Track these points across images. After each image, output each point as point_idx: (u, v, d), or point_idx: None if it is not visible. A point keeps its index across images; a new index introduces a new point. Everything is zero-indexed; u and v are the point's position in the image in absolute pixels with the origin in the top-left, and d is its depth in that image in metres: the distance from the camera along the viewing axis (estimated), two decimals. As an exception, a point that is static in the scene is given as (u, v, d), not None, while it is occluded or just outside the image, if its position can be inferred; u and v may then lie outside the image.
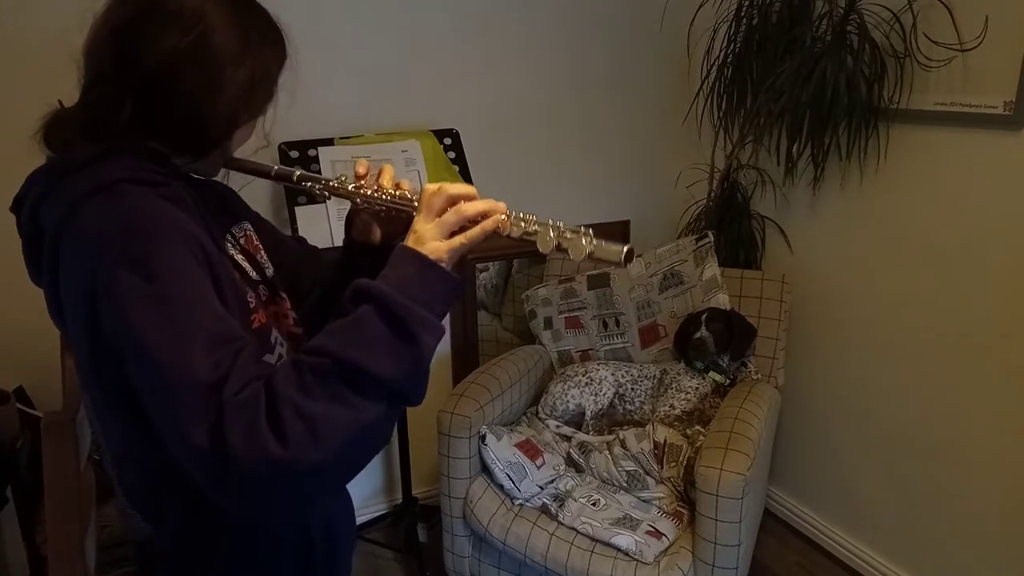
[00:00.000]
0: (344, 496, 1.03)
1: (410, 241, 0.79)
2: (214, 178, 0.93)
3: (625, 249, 0.78)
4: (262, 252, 0.95)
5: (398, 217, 0.91)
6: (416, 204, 0.84)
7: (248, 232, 0.94)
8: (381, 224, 0.98)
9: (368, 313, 0.71)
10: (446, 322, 2.38)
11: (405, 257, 0.77)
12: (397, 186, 0.91)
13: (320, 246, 1.77)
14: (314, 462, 0.65)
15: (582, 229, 0.80)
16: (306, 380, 0.67)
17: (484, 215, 0.81)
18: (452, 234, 0.80)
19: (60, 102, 0.82)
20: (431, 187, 0.82)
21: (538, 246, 0.81)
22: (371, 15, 2.03)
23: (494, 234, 0.82)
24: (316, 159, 1.89)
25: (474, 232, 0.80)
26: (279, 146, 1.89)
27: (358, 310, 0.71)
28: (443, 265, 0.78)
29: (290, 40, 0.86)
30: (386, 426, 0.72)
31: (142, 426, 0.73)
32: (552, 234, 0.80)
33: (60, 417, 1.16)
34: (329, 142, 1.93)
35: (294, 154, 1.88)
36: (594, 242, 0.79)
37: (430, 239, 0.78)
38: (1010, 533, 1.77)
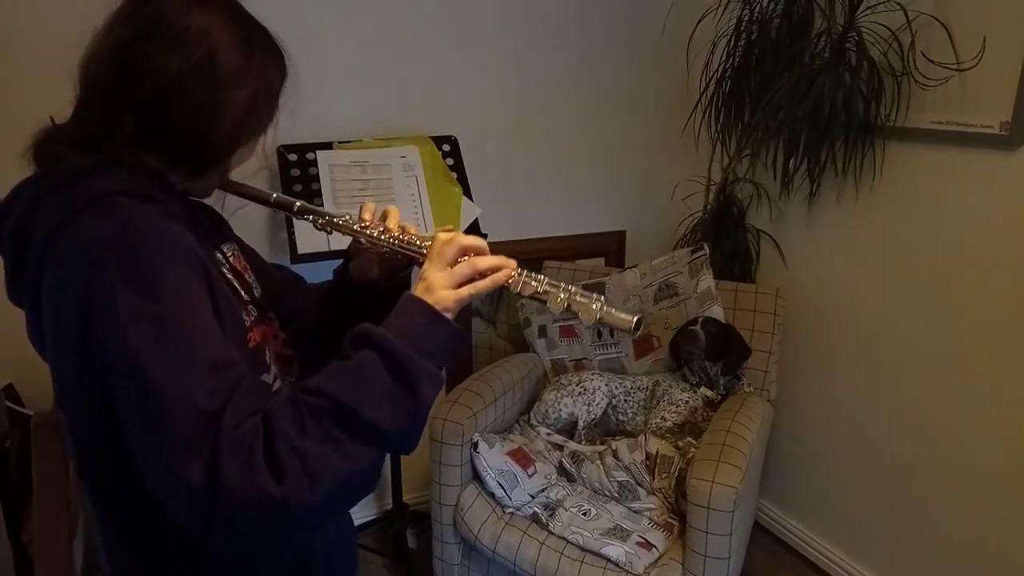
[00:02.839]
0: (348, 531, 1.02)
1: (419, 289, 0.79)
2: (205, 201, 0.92)
3: (635, 319, 0.80)
4: (250, 272, 0.94)
5: (400, 257, 0.92)
6: (424, 251, 0.84)
7: (236, 252, 0.94)
8: (381, 263, 0.99)
9: (372, 360, 0.71)
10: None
11: (413, 307, 0.77)
12: (403, 229, 0.91)
13: (317, 251, 1.77)
14: (307, 503, 0.65)
15: (593, 295, 0.82)
16: (304, 420, 0.67)
17: (495, 270, 0.82)
18: (460, 285, 0.80)
19: (52, 119, 0.80)
20: (444, 236, 0.82)
21: (549, 306, 0.82)
22: (372, 20, 2.04)
23: (503, 288, 0.83)
24: (315, 163, 1.88)
25: (483, 284, 0.80)
26: (277, 149, 1.88)
27: (360, 355, 0.71)
28: (449, 316, 0.78)
29: (290, 58, 0.85)
30: (375, 473, 0.72)
31: (117, 453, 0.71)
32: (563, 295, 0.82)
33: (51, 417, 1.15)
34: (328, 146, 1.93)
35: (293, 157, 1.88)
36: (604, 308, 0.81)
37: (439, 288, 0.78)
38: (1001, 550, 1.77)
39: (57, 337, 0.71)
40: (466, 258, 0.82)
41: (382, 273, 0.99)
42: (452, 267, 0.80)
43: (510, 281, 0.82)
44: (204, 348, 0.68)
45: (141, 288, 0.66)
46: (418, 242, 0.88)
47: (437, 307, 0.77)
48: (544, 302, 0.83)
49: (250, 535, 0.66)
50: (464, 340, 0.80)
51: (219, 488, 0.62)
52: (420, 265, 0.85)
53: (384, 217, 0.93)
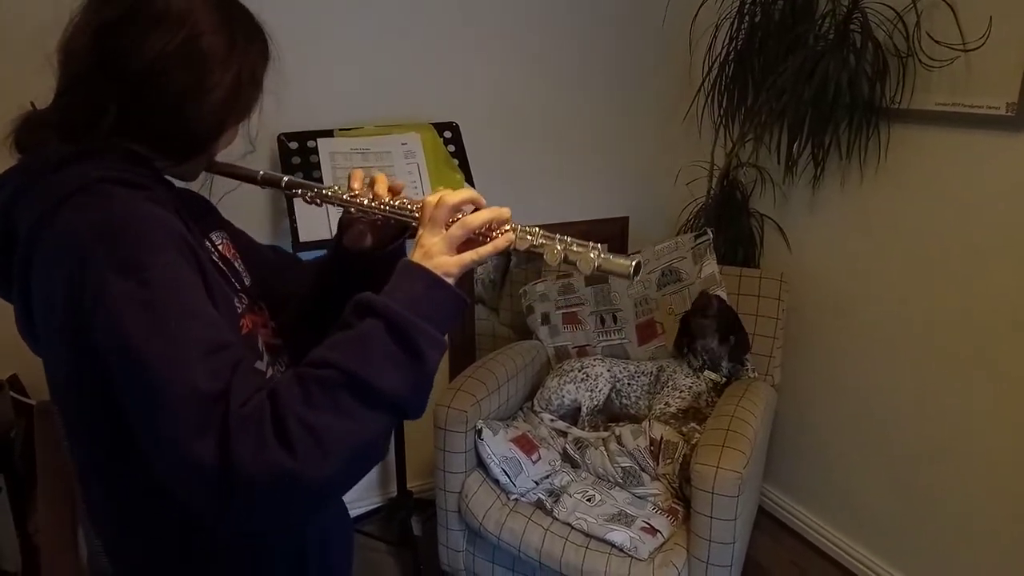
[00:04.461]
0: (339, 503, 1.01)
1: (417, 256, 0.78)
2: (193, 189, 0.91)
3: (633, 263, 0.78)
4: (239, 260, 0.93)
5: (392, 224, 0.91)
6: (417, 215, 0.83)
7: (225, 240, 0.93)
8: (374, 231, 0.97)
9: (375, 328, 0.70)
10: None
11: (412, 273, 0.76)
12: (393, 194, 0.90)
13: (319, 238, 1.77)
14: (320, 475, 0.64)
15: (589, 243, 0.80)
16: (311, 392, 0.66)
17: (490, 225, 0.80)
18: (459, 248, 0.79)
19: (33, 104, 0.79)
20: (431, 199, 0.81)
21: (545, 259, 0.81)
22: (372, 6, 2.02)
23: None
24: (315, 150, 1.88)
25: (485, 250, 0.79)
26: (278, 136, 1.88)
27: (363, 324, 0.70)
28: (450, 280, 0.77)
29: (272, 39, 0.84)
30: (384, 441, 0.72)
31: (117, 443, 0.71)
32: (559, 247, 0.80)
33: (53, 405, 1.15)
34: (329, 133, 1.92)
35: (293, 145, 1.87)
36: (602, 255, 0.79)
37: (438, 254, 0.77)
38: (1005, 535, 1.77)
39: (50, 329, 0.71)
40: (460, 215, 0.80)
41: (376, 242, 0.97)
42: (447, 229, 0.79)
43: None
44: (200, 331, 0.67)
45: (132, 274, 0.65)
46: (409, 206, 0.86)
47: (437, 272, 0.76)
48: (541, 255, 0.81)
49: (263, 513, 0.65)
50: (466, 304, 0.78)
51: (231, 466, 0.61)
52: (414, 228, 0.83)
53: (372, 183, 0.91)
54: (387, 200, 0.88)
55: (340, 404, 0.66)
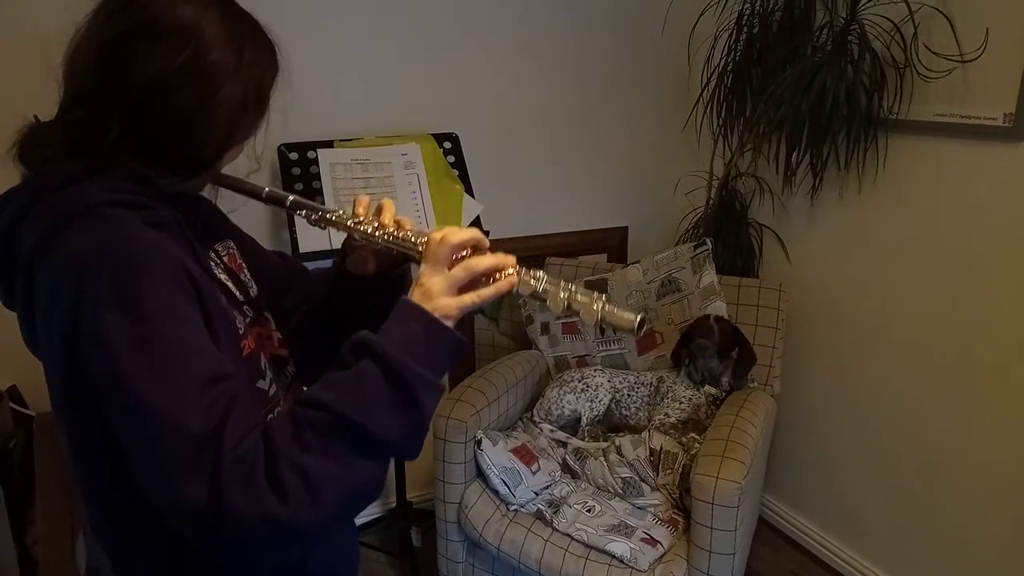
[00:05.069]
0: (350, 531, 1.00)
1: (416, 295, 0.76)
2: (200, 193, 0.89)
3: (638, 318, 0.77)
4: (245, 271, 0.92)
5: (396, 254, 0.89)
6: (420, 250, 0.81)
7: (231, 250, 0.91)
8: (378, 257, 0.96)
9: (371, 370, 0.69)
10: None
11: (411, 314, 0.74)
12: (398, 225, 0.88)
13: (318, 250, 1.77)
14: (311, 520, 0.64)
15: (594, 293, 0.78)
16: (304, 435, 0.66)
17: (494, 270, 0.79)
18: (461, 289, 0.77)
19: (36, 117, 0.77)
20: (436, 236, 0.79)
21: (548, 306, 0.79)
22: (372, 17, 2.03)
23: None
24: (315, 161, 1.88)
25: (487, 292, 0.78)
26: (278, 147, 1.88)
27: (360, 365, 0.70)
28: (449, 323, 0.75)
29: (281, 51, 0.81)
30: (378, 483, 0.71)
31: (112, 466, 0.71)
32: (563, 295, 0.79)
33: (54, 417, 1.15)
34: (328, 144, 1.93)
35: (294, 155, 1.88)
36: (605, 307, 0.78)
37: (438, 294, 0.76)
38: (1004, 544, 1.77)
39: (50, 357, 0.70)
40: (464, 253, 0.79)
41: (379, 268, 0.96)
42: (449, 269, 0.77)
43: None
44: (196, 365, 0.66)
45: (127, 309, 0.65)
46: (413, 239, 0.84)
47: (436, 314, 0.74)
48: (544, 301, 0.80)
49: (255, 552, 0.67)
50: (465, 346, 0.77)
51: (222, 509, 0.61)
52: (416, 262, 0.82)
53: (379, 212, 0.89)
54: (391, 231, 0.86)
55: (333, 448, 0.66)
